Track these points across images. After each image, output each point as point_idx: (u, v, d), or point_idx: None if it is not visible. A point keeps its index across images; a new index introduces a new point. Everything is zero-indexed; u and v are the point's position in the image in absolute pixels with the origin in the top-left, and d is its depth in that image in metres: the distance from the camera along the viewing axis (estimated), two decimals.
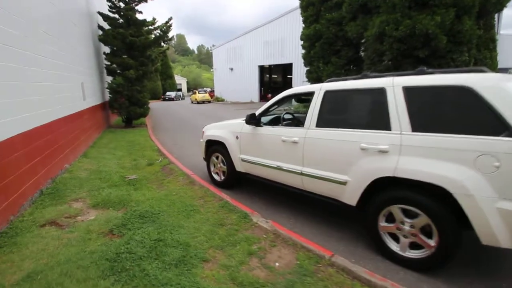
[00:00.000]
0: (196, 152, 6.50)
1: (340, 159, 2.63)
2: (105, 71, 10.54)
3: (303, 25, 12.21)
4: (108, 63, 10.40)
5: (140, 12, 10.33)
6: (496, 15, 10.80)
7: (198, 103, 27.18)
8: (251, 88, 26.35)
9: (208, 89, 33.61)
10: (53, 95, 4.74)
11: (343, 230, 2.93)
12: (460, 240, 2.09)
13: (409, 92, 2.28)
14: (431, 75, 2.29)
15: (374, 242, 2.53)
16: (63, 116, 5.17)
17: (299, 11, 14.33)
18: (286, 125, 3.54)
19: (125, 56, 10.30)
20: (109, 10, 10.17)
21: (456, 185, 1.96)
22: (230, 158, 3.91)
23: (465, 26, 7.69)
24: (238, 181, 4.15)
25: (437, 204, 2.10)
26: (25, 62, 3.75)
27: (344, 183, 2.60)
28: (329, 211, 3.34)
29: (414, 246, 2.31)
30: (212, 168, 4.38)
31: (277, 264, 2.33)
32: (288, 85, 24.42)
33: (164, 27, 10.54)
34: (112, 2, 10.00)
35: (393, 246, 2.41)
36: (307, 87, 3.12)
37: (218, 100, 29.27)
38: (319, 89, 2.92)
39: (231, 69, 28.09)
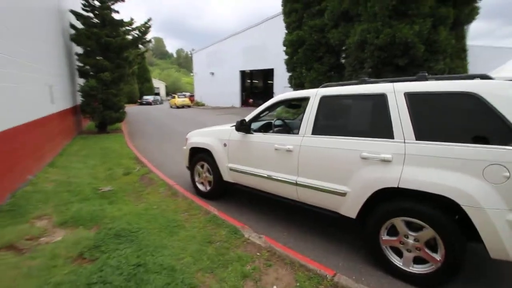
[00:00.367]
0: (179, 160, 6.13)
1: (339, 169, 2.46)
2: (77, 73, 9.83)
3: (286, 31, 12.26)
4: (81, 64, 9.72)
5: (117, 12, 9.79)
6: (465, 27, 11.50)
7: (177, 107, 26.46)
8: (232, 93, 26.11)
9: (188, 94, 32.90)
10: (10, 98, 4.20)
11: (340, 243, 2.76)
12: (465, 253, 1.99)
13: (412, 99, 2.17)
14: (434, 81, 2.20)
15: (375, 257, 2.38)
16: (25, 122, 4.62)
17: (280, 17, 14.40)
18: (278, 132, 3.34)
19: (100, 58, 9.68)
20: (83, 9, 9.54)
21: (464, 197, 1.86)
22: (217, 167, 3.64)
23: (441, 36, 8.03)
24: (224, 192, 3.87)
25: (444, 216, 1.98)
26: None
27: (343, 194, 2.44)
28: (321, 222, 3.16)
29: (418, 260, 2.18)
30: (196, 178, 4.07)
31: (275, 287, 2.10)
32: (269, 90, 24.48)
33: (143, 28, 10.07)
34: (86, 0, 9.40)
35: (396, 261, 2.27)
36: (302, 92, 2.95)
37: (199, 104, 28.70)
38: (315, 94, 2.76)
39: (212, 73, 27.73)
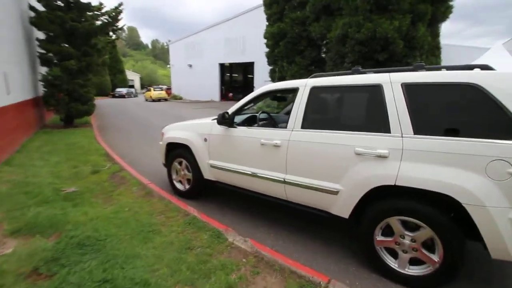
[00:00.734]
0: (155, 155, 5.71)
1: (331, 165, 2.28)
2: (38, 60, 8.89)
3: (267, 23, 11.97)
4: (43, 51, 8.79)
5: None
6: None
7: (153, 100, 25.32)
8: (211, 86, 25.42)
9: (165, 87, 31.62)
10: None
11: (330, 244, 2.61)
12: (464, 253, 1.89)
13: (410, 90, 2.02)
14: (432, 71, 2.06)
15: (369, 259, 2.24)
16: None
17: (261, 9, 14.07)
18: (263, 125, 3.10)
19: (65, 44, 8.82)
20: None
21: (466, 195, 1.74)
22: (196, 164, 3.34)
23: (419, 32, 8.18)
24: (205, 191, 3.59)
25: (443, 215, 1.87)
26: None
27: (335, 192, 2.27)
28: (309, 221, 2.99)
29: (414, 262, 2.07)
30: (174, 176, 3.74)
31: None
32: (249, 84, 24.13)
33: (113, 13, 9.29)
34: None
35: (391, 262, 2.14)
36: (290, 83, 2.73)
37: (176, 98, 27.68)
38: (304, 85, 2.55)
39: (190, 65, 26.77)
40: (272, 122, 3.31)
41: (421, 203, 1.93)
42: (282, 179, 2.56)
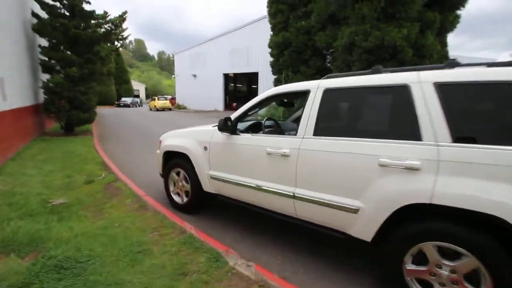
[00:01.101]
0: (154, 165, 5.42)
1: (349, 179, 1.96)
2: (40, 68, 8.81)
3: (271, 33, 11.89)
4: (45, 58, 8.73)
5: (88, 2, 8.93)
6: None
7: (157, 110, 25.32)
8: (215, 96, 25.41)
9: (169, 96, 31.76)
10: None
11: (346, 269, 2.24)
12: None
13: (445, 90, 1.72)
14: (469, 68, 1.76)
15: None
16: None
17: (265, 20, 14.08)
18: (270, 133, 2.81)
19: (68, 52, 8.75)
20: None
21: None
22: (195, 175, 3.03)
23: (428, 40, 7.95)
24: (205, 204, 3.26)
25: (492, 242, 1.52)
26: None
27: (355, 210, 1.93)
28: (320, 240, 2.64)
29: None
30: (171, 188, 3.43)
31: None
32: (253, 94, 24.02)
33: (117, 21, 9.26)
34: None
35: None
36: (300, 85, 2.44)
37: (180, 107, 27.69)
38: (317, 87, 2.26)
39: (194, 75, 26.90)
40: (279, 129, 3.02)
41: (464, 226, 1.59)
42: (291, 194, 2.24)
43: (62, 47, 8.70)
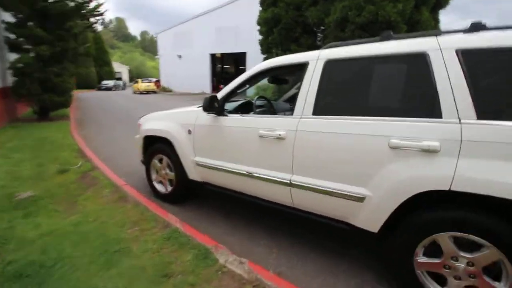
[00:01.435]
0: (136, 151, 5.05)
1: (354, 163, 1.71)
2: (5, 46, 7.96)
3: (260, 9, 11.22)
4: (11, 35, 7.87)
5: None
6: None
7: (141, 93, 24.28)
8: (202, 78, 24.48)
9: (154, 79, 30.46)
10: None
11: (348, 263, 2.05)
12: None
13: (470, 58, 1.45)
14: (496, 31, 1.49)
15: (406, 286, 1.70)
16: None
17: None
18: (262, 113, 2.51)
19: (36, 28, 7.90)
20: None
21: None
22: (179, 162, 2.72)
23: (423, 16, 7.65)
24: (190, 193, 2.98)
25: None
26: None
27: (360, 199, 1.70)
28: (319, 231, 2.43)
29: None
30: (153, 176, 3.11)
31: None
32: None
33: None
34: None
35: None
36: (296, 56, 2.12)
37: (166, 90, 26.64)
38: (316, 58, 1.94)
39: (179, 56, 25.67)
40: (272, 109, 2.72)
41: (486, 215, 1.39)
42: (288, 181, 1.98)
43: (30, 23, 7.84)
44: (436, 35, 1.61)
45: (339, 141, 1.76)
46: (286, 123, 1.99)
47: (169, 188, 2.96)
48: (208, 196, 3.08)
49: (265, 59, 11.74)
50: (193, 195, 3.02)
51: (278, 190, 2.06)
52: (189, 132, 2.60)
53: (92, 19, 11.44)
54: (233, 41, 21.90)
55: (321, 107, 1.87)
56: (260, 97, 2.77)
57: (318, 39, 10.48)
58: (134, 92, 25.28)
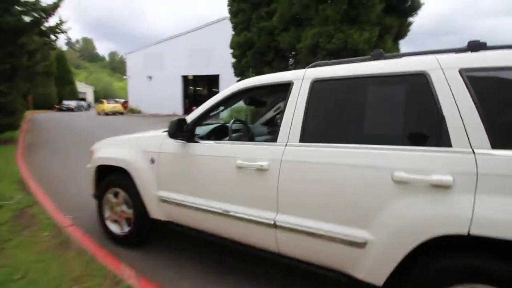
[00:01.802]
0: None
1: (352, 201, 1.43)
2: None
3: (233, 33, 11.36)
4: None
5: None
6: None
7: (106, 114, 22.94)
8: (173, 99, 23.88)
9: (122, 100, 29.17)
10: None
11: None
12: None
13: (476, 79, 1.28)
14: (499, 50, 1.36)
15: None
16: None
17: (226, 22, 13.51)
18: (239, 139, 2.19)
19: None
20: None
21: None
22: (139, 197, 2.26)
23: (387, 45, 8.15)
24: (152, 233, 2.49)
25: None
26: None
27: (361, 244, 1.41)
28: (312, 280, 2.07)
29: None
30: (107, 213, 2.58)
31: None
32: None
33: (49, 9, 7.80)
34: None
35: None
36: (278, 76, 1.87)
37: (134, 111, 25.49)
38: (301, 77, 1.71)
39: (150, 77, 25.00)
40: (250, 134, 2.42)
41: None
42: (272, 222, 1.64)
43: None
44: (430, 54, 1.46)
45: (331, 173, 1.48)
46: (268, 152, 1.68)
47: (126, 229, 2.44)
48: (173, 237, 2.59)
49: (239, 81, 11.73)
50: (156, 235, 2.53)
51: (260, 232, 1.70)
52: (152, 161, 2.18)
53: (52, 37, 10.71)
54: (206, 63, 21.94)
55: (310, 133, 1.60)
56: (236, 120, 2.47)
57: (291, 63, 10.74)
58: (99, 114, 23.86)
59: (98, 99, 45.20)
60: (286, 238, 1.62)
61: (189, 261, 2.27)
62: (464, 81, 1.29)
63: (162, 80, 24.24)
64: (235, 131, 2.37)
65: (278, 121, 1.82)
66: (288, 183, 1.60)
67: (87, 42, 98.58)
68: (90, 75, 59.96)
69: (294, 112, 1.66)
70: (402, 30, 9.02)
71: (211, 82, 27.95)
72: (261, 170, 1.66)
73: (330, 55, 8.16)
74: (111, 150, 2.51)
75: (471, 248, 1.24)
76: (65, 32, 11.30)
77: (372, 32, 7.81)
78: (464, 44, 1.46)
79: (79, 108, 29.08)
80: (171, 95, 23.81)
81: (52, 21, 8.71)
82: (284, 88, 1.79)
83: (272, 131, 2.94)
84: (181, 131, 1.98)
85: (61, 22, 10.10)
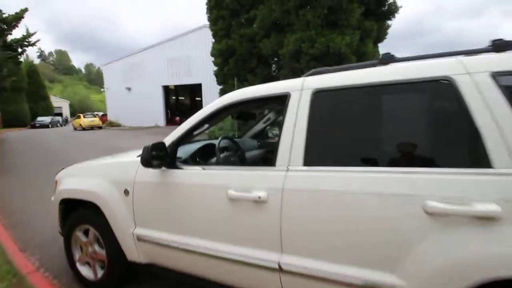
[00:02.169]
0: None
1: (374, 238, 1.17)
2: None
3: (213, 40, 11.11)
4: None
5: None
6: None
7: (84, 129, 21.88)
8: (155, 111, 23.17)
9: (100, 113, 28.02)
10: None
11: None
12: None
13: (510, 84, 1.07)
14: None
15: None
16: None
17: (206, 29, 13.25)
18: (227, 159, 1.89)
19: None
20: None
21: None
22: (112, 236, 1.89)
23: (368, 48, 8.18)
24: (131, 275, 2.12)
25: None
26: None
27: None
28: None
29: None
30: (77, 255, 2.18)
31: None
32: (198, 107, 22.71)
33: (11, 20, 7.22)
34: None
35: None
36: (272, 86, 1.60)
37: (113, 125, 24.50)
38: (300, 87, 1.45)
39: (129, 88, 24.17)
40: (241, 155, 2.13)
41: None
42: (275, 265, 1.35)
43: None
44: (447, 55, 1.25)
45: (347, 203, 1.21)
46: (266, 179, 1.40)
47: (100, 273, 2.06)
48: (156, 281, 2.23)
49: (222, 89, 11.41)
50: (135, 279, 2.15)
51: (262, 277, 1.40)
52: (126, 192, 1.83)
53: (19, 49, 10.02)
54: (187, 72, 21.54)
55: (315, 155, 1.34)
56: (225, 138, 2.17)
57: (273, 69, 10.61)
58: (76, 129, 22.75)
59: (75, 113, 43.45)
60: (294, 284, 1.33)
61: None
62: (499, 87, 1.08)
63: (142, 91, 23.51)
64: (223, 149, 2.07)
65: (270, 134, 1.55)
66: (293, 218, 1.31)
67: (62, 55, 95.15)
68: (65, 88, 57.62)
69: (294, 130, 1.39)
70: (381, 34, 9.13)
71: (193, 91, 27.49)
72: (259, 202, 1.37)
73: (314, 60, 8.07)
74: (77, 180, 2.12)
75: None
76: (33, 45, 10.67)
77: (353, 36, 7.81)
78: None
79: (54, 124, 27.64)
80: (152, 106, 23.11)
81: (18, 33, 8.13)
82: (280, 101, 1.52)
83: (264, 144, 2.67)
84: (158, 157, 1.64)
85: (29, 34, 9.52)
